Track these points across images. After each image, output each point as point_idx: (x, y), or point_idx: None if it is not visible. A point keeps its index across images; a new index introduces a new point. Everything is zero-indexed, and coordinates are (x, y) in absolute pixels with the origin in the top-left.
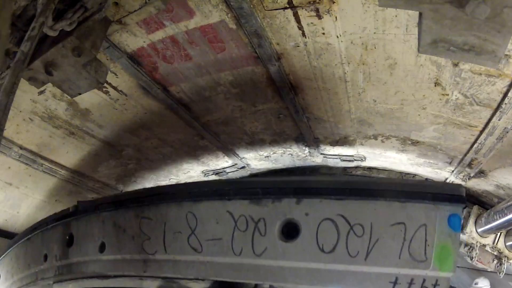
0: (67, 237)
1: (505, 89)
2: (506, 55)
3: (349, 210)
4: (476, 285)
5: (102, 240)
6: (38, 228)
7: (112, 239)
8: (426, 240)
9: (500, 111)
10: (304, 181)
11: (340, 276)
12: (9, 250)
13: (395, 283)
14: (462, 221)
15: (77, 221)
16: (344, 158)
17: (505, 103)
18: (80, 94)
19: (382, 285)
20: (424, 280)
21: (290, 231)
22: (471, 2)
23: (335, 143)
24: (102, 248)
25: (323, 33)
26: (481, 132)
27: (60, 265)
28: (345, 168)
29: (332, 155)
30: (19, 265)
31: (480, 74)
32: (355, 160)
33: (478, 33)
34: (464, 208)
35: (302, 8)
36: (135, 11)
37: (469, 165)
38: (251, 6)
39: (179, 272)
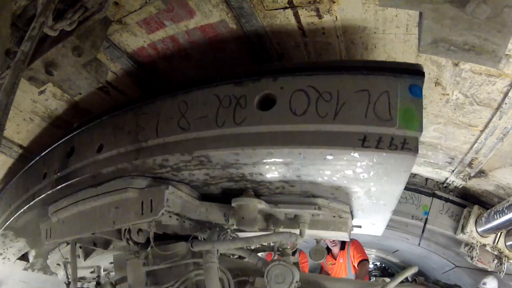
0: (68, 150)
1: (505, 89)
2: (507, 55)
3: (318, 82)
4: (484, 285)
5: (101, 142)
6: (41, 153)
7: (110, 138)
8: (389, 103)
9: (500, 111)
10: (280, 64)
11: (313, 136)
12: (10, 183)
13: (364, 140)
14: (422, 91)
15: (79, 135)
16: None
17: (506, 103)
18: (80, 94)
19: (352, 142)
20: (392, 139)
21: (266, 103)
22: (472, 1)
23: None
24: (99, 149)
25: (323, 33)
26: (482, 132)
27: (58, 177)
28: None
29: None
30: (18, 192)
31: (481, 74)
32: None
33: (478, 33)
34: (423, 79)
35: (302, 8)
36: (135, 11)
37: (470, 165)
38: (251, 5)
39: (167, 152)
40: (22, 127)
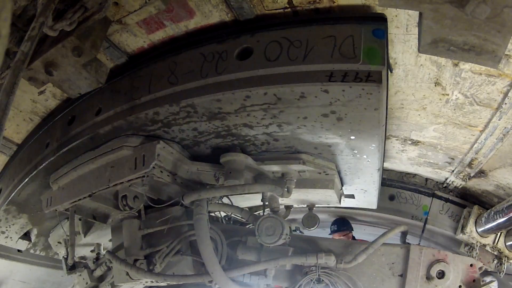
0: (69, 118)
1: (505, 89)
2: (506, 55)
3: (290, 33)
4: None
5: (99, 106)
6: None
7: (107, 101)
8: (353, 45)
9: (500, 111)
10: (257, 22)
11: (285, 77)
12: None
13: (331, 76)
14: (385, 33)
15: (80, 104)
16: None
17: (505, 103)
18: (80, 94)
19: (320, 78)
20: (357, 73)
21: (245, 54)
22: (471, 2)
23: None
24: (98, 112)
25: None
26: (481, 132)
27: (60, 143)
28: None
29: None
30: (22, 165)
31: (480, 74)
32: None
33: (478, 33)
34: (386, 24)
35: (302, 9)
36: (135, 11)
37: (469, 165)
38: (251, 6)
39: (158, 105)
40: (22, 127)
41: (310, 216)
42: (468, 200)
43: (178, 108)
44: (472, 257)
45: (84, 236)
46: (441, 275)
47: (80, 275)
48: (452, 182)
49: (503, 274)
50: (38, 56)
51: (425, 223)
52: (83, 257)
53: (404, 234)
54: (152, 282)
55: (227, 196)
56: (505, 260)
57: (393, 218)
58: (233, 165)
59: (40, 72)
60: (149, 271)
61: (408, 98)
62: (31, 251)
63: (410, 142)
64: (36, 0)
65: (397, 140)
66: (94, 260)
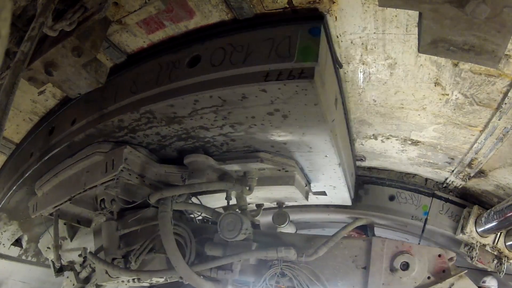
0: (50, 129)
1: (505, 89)
2: (506, 55)
3: (235, 39)
4: (484, 284)
5: (74, 117)
6: (29, 137)
7: (81, 112)
8: (290, 45)
9: (500, 111)
10: (207, 31)
11: (226, 80)
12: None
13: (267, 76)
14: (321, 30)
15: (58, 116)
16: None
17: (505, 103)
18: (80, 94)
19: (257, 79)
20: (291, 71)
21: (194, 62)
22: (471, 2)
23: None
24: (73, 122)
25: None
26: (481, 132)
27: (42, 152)
28: None
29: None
30: (10, 174)
31: (480, 74)
32: (355, 160)
33: (478, 33)
34: (323, 23)
35: (302, 9)
36: (135, 11)
37: (469, 165)
38: (251, 6)
39: (121, 112)
40: (22, 127)
41: (280, 214)
42: (468, 200)
43: (138, 115)
44: (472, 257)
45: (71, 241)
46: (406, 266)
47: (67, 277)
48: (452, 182)
49: (503, 274)
50: (38, 56)
51: (425, 223)
52: (72, 261)
53: (371, 228)
54: (134, 281)
55: (196, 197)
56: (505, 260)
57: (393, 218)
58: (195, 166)
59: (40, 72)
60: (126, 268)
61: (408, 98)
62: (23, 257)
63: (410, 142)
64: (36, 0)
65: (397, 140)
66: (81, 264)
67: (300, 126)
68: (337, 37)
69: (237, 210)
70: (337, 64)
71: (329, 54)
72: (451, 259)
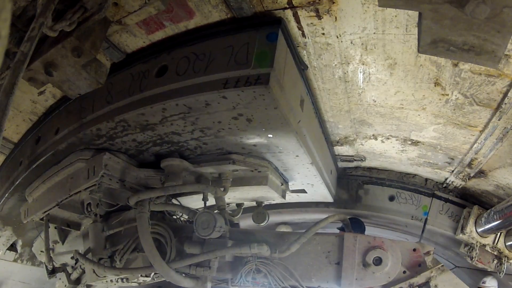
0: (37, 138)
1: (505, 89)
2: (506, 55)
3: (198, 48)
4: (484, 284)
5: (58, 126)
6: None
7: (63, 121)
8: (248, 51)
9: (500, 111)
10: (174, 40)
11: (189, 88)
12: None
13: (225, 83)
14: (278, 35)
15: (44, 125)
16: (344, 158)
17: (505, 103)
18: (80, 94)
19: (217, 86)
20: (248, 78)
21: (162, 71)
22: (471, 2)
23: (335, 143)
24: (56, 132)
25: (323, 34)
26: (481, 132)
27: (29, 161)
28: (344, 169)
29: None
30: (2, 182)
31: (480, 74)
32: (355, 160)
33: (477, 33)
34: (280, 27)
35: (302, 9)
36: (134, 11)
37: (469, 165)
38: (251, 6)
39: (98, 122)
40: (22, 127)
41: (259, 213)
42: (468, 200)
43: (114, 124)
44: (472, 257)
45: (63, 244)
46: (378, 261)
47: (59, 278)
48: (452, 182)
49: (503, 274)
50: (38, 56)
51: (425, 223)
52: (64, 264)
53: (346, 224)
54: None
55: (175, 198)
56: (505, 260)
57: (392, 218)
58: (171, 169)
59: (40, 72)
60: (112, 267)
61: (408, 98)
62: (18, 261)
63: (410, 142)
64: (36, 0)
65: (397, 140)
66: (73, 266)
67: (266, 128)
68: (337, 37)
69: (216, 210)
70: (301, 66)
71: (291, 57)
72: (427, 253)
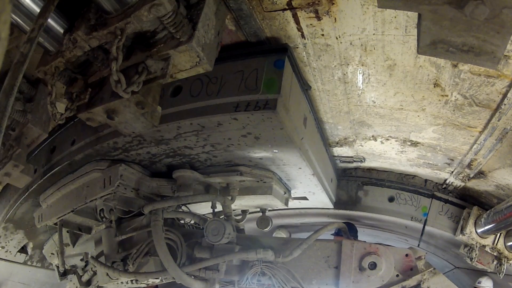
0: (52, 148)
1: (504, 90)
2: (506, 55)
3: (210, 71)
4: (479, 284)
5: (74, 138)
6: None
7: (79, 133)
8: (257, 77)
9: (499, 112)
10: None
11: (203, 109)
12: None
13: (237, 106)
14: (285, 62)
15: (59, 136)
16: (343, 159)
17: (505, 104)
18: (133, 133)
19: (228, 109)
20: (257, 102)
21: (177, 91)
22: (470, 3)
23: (335, 144)
24: (73, 143)
25: (322, 35)
26: (481, 133)
27: (45, 169)
28: (344, 170)
29: (331, 154)
30: (16, 188)
31: (480, 75)
32: (354, 161)
33: (477, 34)
34: (287, 55)
35: (301, 10)
36: (185, 70)
37: (469, 166)
38: (250, 7)
39: (115, 136)
40: None
41: (263, 219)
42: (468, 201)
43: (130, 138)
44: (472, 258)
45: (73, 247)
46: (373, 266)
47: (70, 280)
48: (452, 183)
49: (503, 275)
50: (99, 103)
51: (425, 224)
52: (74, 266)
53: (344, 232)
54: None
55: (185, 205)
56: (504, 261)
57: (392, 219)
58: (182, 180)
59: (99, 115)
60: (124, 271)
61: (407, 99)
62: (28, 263)
63: (409, 143)
64: (95, 51)
65: (396, 141)
66: (83, 268)
67: (271, 145)
68: (337, 38)
69: (223, 216)
70: (305, 86)
71: (296, 80)
72: (419, 257)
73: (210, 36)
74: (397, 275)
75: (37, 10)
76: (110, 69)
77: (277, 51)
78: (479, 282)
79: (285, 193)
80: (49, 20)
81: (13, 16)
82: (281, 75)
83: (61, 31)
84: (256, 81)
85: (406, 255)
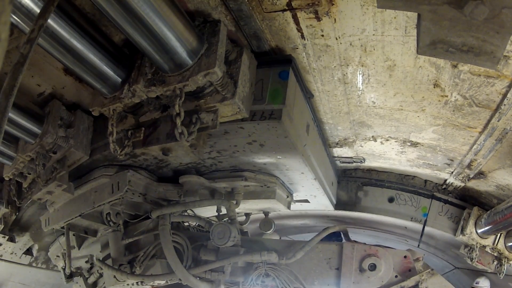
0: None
1: (504, 90)
2: (505, 56)
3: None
4: (477, 284)
5: None
6: None
7: None
8: (262, 87)
9: (499, 112)
10: None
11: None
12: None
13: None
14: (289, 73)
15: None
16: (343, 160)
17: (504, 104)
18: (180, 163)
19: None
20: (263, 112)
21: None
22: (470, 3)
23: (335, 145)
24: None
25: (322, 35)
26: (481, 133)
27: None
28: (344, 170)
29: (332, 157)
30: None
31: (479, 75)
32: (354, 162)
33: (476, 34)
34: (291, 66)
35: (301, 10)
36: (226, 116)
37: (469, 166)
38: (250, 8)
39: None
40: None
41: (266, 221)
42: (468, 202)
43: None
44: (472, 258)
45: (79, 249)
46: (373, 267)
47: (76, 282)
48: (452, 183)
49: (503, 275)
50: (155, 142)
51: (424, 224)
52: (79, 268)
53: (344, 234)
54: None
55: (191, 209)
56: (505, 261)
57: (392, 220)
58: (189, 185)
59: (155, 151)
60: (131, 273)
61: (407, 99)
62: (33, 264)
63: (409, 144)
64: (149, 98)
65: (396, 141)
66: (88, 270)
67: (276, 152)
68: (336, 39)
69: (227, 219)
70: (308, 95)
71: (299, 89)
72: (417, 259)
73: (247, 89)
74: (396, 276)
75: (37, 10)
76: (175, 124)
77: (281, 62)
78: (477, 283)
79: (287, 196)
80: (97, 61)
81: (13, 16)
82: (285, 85)
83: (111, 72)
84: (262, 92)
85: (405, 256)
